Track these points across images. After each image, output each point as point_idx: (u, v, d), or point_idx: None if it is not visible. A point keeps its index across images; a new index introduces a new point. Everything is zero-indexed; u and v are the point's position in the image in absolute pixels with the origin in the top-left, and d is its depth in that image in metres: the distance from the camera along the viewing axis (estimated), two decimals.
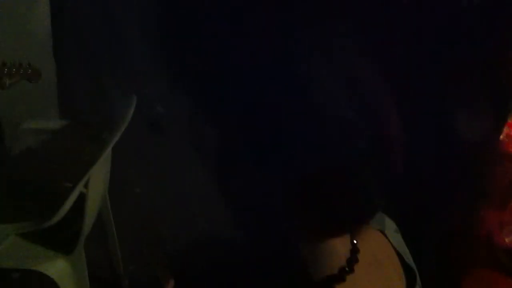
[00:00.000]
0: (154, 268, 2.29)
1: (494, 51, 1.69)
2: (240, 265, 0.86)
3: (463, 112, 1.84)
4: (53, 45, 3.20)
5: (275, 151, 0.73)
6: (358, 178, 0.74)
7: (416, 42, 1.67)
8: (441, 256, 1.81)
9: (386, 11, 1.58)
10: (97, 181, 1.93)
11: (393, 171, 0.77)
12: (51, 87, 3.22)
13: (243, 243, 0.87)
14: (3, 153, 2.35)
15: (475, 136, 1.80)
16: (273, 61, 0.75)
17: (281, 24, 0.77)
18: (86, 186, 1.84)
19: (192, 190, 2.51)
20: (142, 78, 3.16)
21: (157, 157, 2.99)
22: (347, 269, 0.80)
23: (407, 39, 1.65)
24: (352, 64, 0.79)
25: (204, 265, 0.90)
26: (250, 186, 0.75)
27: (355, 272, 0.80)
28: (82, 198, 1.85)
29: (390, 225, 0.94)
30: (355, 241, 0.82)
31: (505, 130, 1.79)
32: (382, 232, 0.91)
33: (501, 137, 1.79)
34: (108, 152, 1.92)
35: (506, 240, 1.73)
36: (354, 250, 0.82)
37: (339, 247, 0.81)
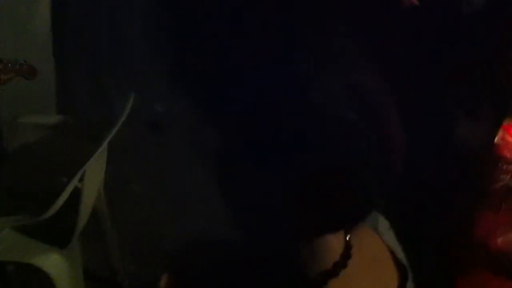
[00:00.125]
0: (154, 268, 2.29)
1: (494, 51, 1.69)
2: (239, 265, 0.86)
3: (462, 113, 1.84)
4: (53, 44, 3.20)
5: (275, 151, 0.73)
6: (358, 178, 0.74)
7: (416, 43, 1.67)
8: (438, 256, 1.81)
9: (386, 11, 1.59)
10: (92, 175, 1.93)
11: (392, 172, 0.77)
12: (50, 86, 3.22)
13: (243, 243, 0.87)
14: (1, 148, 2.35)
15: (474, 136, 1.80)
16: (273, 61, 0.75)
17: (282, 24, 0.77)
18: (81, 180, 1.84)
19: (191, 189, 2.51)
20: (141, 77, 3.17)
21: (157, 157, 3.00)
22: (340, 264, 0.80)
23: (407, 39, 1.65)
24: (352, 64, 0.79)
25: (204, 264, 0.90)
26: (250, 186, 0.75)
27: (348, 268, 0.80)
28: (77, 193, 1.85)
29: (382, 223, 0.94)
30: (348, 237, 0.82)
31: (500, 133, 1.80)
32: (375, 229, 0.91)
33: (496, 140, 1.79)
34: (103, 147, 1.92)
35: (501, 240, 1.74)
36: (348, 245, 0.82)
37: (333, 242, 0.81)
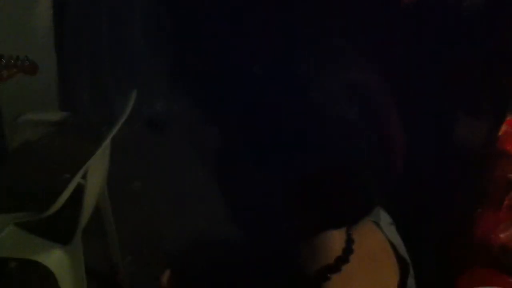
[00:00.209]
0: (154, 267, 2.29)
1: (494, 50, 1.69)
2: (240, 265, 0.86)
3: (462, 112, 1.84)
4: (54, 42, 3.20)
5: (275, 151, 0.73)
6: (358, 178, 0.74)
7: (416, 43, 1.67)
8: (438, 253, 1.82)
9: (386, 12, 1.58)
10: (95, 172, 1.93)
11: (393, 171, 0.78)
12: (51, 83, 3.22)
13: (243, 243, 0.87)
14: (3, 145, 2.35)
15: (474, 136, 1.80)
16: (273, 60, 0.75)
17: (282, 24, 0.77)
18: (84, 177, 1.85)
19: (192, 189, 2.52)
20: (142, 76, 3.17)
21: (157, 157, 2.99)
22: (342, 259, 0.80)
23: (407, 39, 1.65)
24: (352, 64, 0.79)
25: (204, 264, 0.90)
26: (250, 186, 0.76)
27: (350, 263, 0.81)
28: (80, 189, 1.86)
29: (384, 217, 0.95)
30: (350, 232, 0.83)
31: (504, 127, 1.80)
32: (377, 224, 0.92)
33: (499, 134, 1.79)
34: (106, 144, 1.92)
35: (502, 237, 1.74)
36: (349, 241, 0.83)
37: (335, 238, 0.81)
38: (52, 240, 1.88)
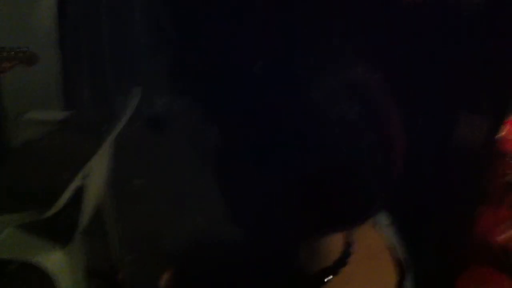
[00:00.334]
0: (154, 267, 2.29)
1: (494, 51, 1.69)
2: (240, 265, 0.86)
3: (462, 112, 1.84)
4: (58, 39, 3.20)
5: (275, 151, 0.73)
6: (358, 179, 0.74)
7: (416, 42, 1.67)
8: (438, 253, 1.82)
9: (386, 12, 1.58)
10: (96, 173, 1.93)
11: (393, 171, 0.77)
12: (55, 81, 3.22)
13: (243, 243, 0.87)
14: (4, 144, 2.35)
15: (474, 135, 1.80)
16: (273, 60, 0.75)
17: (283, 25, 0.77)
18: (85, 177, 1.84)
19: (191, 189, 2.52)
20: (142, 75, 3.17)
21: (156, 157, 2.99)
22: (341, 262, 0.81)
23: (407, 39, 1.65)
24: (352, 64, 0.79)
25: (204, 264, 0.90)
26: (251, 186, 0.76)
27: (348, 265, 0.81)
28: (80, 190, 1.86)
29: (383, 219, 0.95)
30: (348, 235, 0.83)
31: (505, 127, 1.79)
32: (375, 225, 0.92)
33: (501, 134, 1.79)
34: (107, 144, 1.92)
35: (502, 236, 1.74)
36: (348, 243, 0.83)
37: (333, 240, 0.82)
38: (52, 241, 1.88)
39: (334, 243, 0.82)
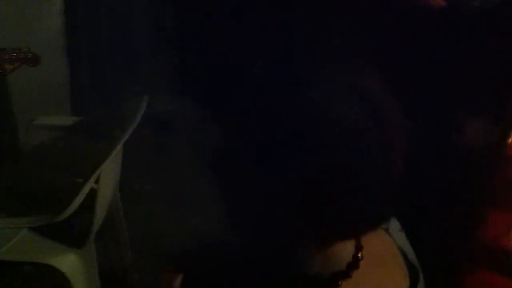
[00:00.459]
0: (156, 267, 2.30)
1: (495, 51, 1.69)
2: (241, 266, 0.86)
3: (466, 113, 1.83)
4: (65, 43, 3.21)
5: (277, 151, 0.74)
6: (359, 179, 0.75)
7: (417, 43, 1.66)
8: (444, 257, 1.81)
9: (387, 13, 1.58)
10: (107, 177, 1.95)
11: (396, 172, 0.78)
12: (63, 85, 3.23)
13: (245, 244, 0.88)
14: (16, 149, 2.37)
15: (474, 135, 1.79)
16: (275, 61, 0.75)
17: (284, 25, 0.78)
18: (97, 182, 1.86)
19: (194, 190, 2.52)
20: (145, 77, 3.17)
21: (158, 158, 2.99)
22: (352, 265, 0.81)
23: (407, 39, 1.64)
24: (354, 65, 0.79)
25: (206, 265, 0.90)
26: (252, 187, 0.76)
27: (360, 269, 0.82)
28: (93, 193, 1.87)
29: (394, 224, 0.95)
30: (360, 239, 0.84)
31: None
32: (387, 230, 0.92)
33: (510, 140, 1.78)
34: (119, 148, 1.94)
35: None
36: (359, 247, 0.84)
37: (345, 244, 0.83)
38: (66, 243, 1.90)
39: (346, 246, 0.83)
